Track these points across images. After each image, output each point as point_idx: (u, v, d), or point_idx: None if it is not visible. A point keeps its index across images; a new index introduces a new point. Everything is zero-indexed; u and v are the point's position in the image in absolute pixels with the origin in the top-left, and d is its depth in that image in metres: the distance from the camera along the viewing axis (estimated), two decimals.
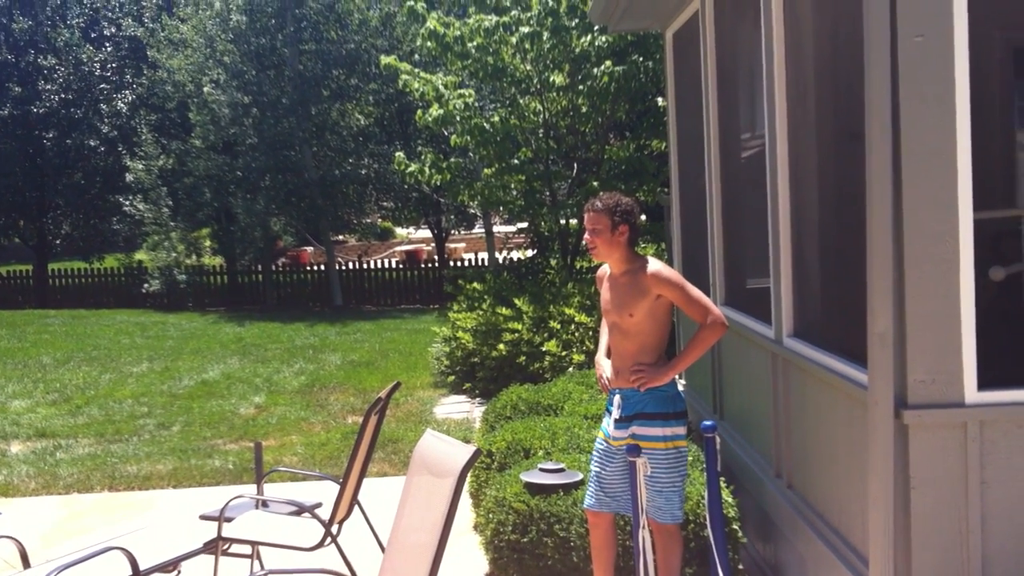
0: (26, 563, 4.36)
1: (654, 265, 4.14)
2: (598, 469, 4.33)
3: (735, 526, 4.73)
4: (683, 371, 6.13)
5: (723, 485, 4.77)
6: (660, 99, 11.50)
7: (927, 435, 3.31)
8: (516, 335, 9.91)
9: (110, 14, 25.68)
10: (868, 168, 3.27)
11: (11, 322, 19.35)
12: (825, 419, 4.12)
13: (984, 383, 3.31)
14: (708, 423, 4.17)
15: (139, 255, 23.76)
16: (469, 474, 3.46)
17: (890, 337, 3.25)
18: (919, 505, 3.33)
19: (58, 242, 26.61)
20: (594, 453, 4.40)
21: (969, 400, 3.30)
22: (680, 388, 4.34)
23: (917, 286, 3.29)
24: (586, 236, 4.25)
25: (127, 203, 21.70)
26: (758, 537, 5.22)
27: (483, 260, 21.51)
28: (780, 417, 4.75)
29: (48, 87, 24.05)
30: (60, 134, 24.23)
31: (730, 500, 4.84)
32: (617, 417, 4.24)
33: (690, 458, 4.93)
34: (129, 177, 21.51)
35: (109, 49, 25.25)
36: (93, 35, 25.53)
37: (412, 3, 12.36)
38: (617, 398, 4.28)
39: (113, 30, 25.42)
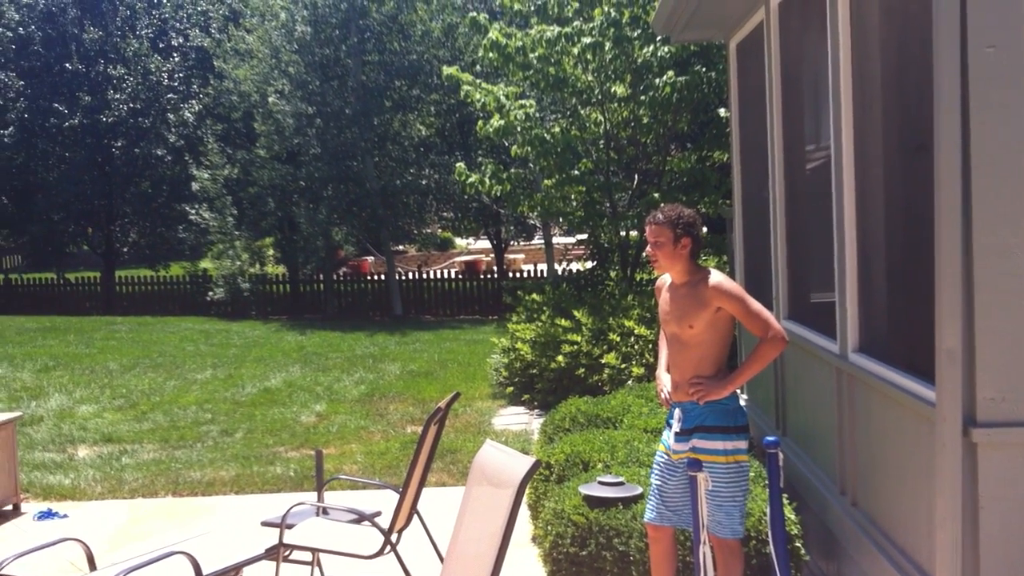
0: (92, 566, 4.45)
1: (716, 277, 4.10)
2: (659, 483, 4.30)
3: (798, 543, 4.67)
4: (745, 385, 6.06)
5: (786, 502, 4.70)
6: (723, 110, 11.41)
7: (996, 454, 3.24)
8: (575, 347, 9.88)
9: (178, 24, 26.21)
10: (936, 180, 3.21)
11: (79, 328, 19.78)
12: (891, 436, 4.05)
13: None
14: (771, 438, 4.11)
15: (204, 263, 24.16)
16: (528, 486, 3.47)
17: (959, 354, 3.19)
18: (988, 525, 3.25)
19: (125, 250, 27.18)
20: (654, 466, 4.37)
21: None
22: (742, 403, 4.29)
23: (986, 302, 3.22)
24: (648, 249, 4.23)
25: (193, 212, 22.08)
26: (821, 555, 5.14)
27: (542, 271, 21.52)
28: (845, 433, 4.68)
29: (117, 96, 24.59)
30: (128, 143, 24.76)
31: (793, 517, 4.77)
32: (677, 430, 4.21)
33: (752, 474, 4.87)
34: (195, 186, 21.88)
35: (177, 59, 25.77)
36: (161, 45, 26.08)
37: (474, 14, 12.42)
38: (677, 411, 4.24)
39: (181, 40, 25.95)
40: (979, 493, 3.25)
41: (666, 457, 4.29)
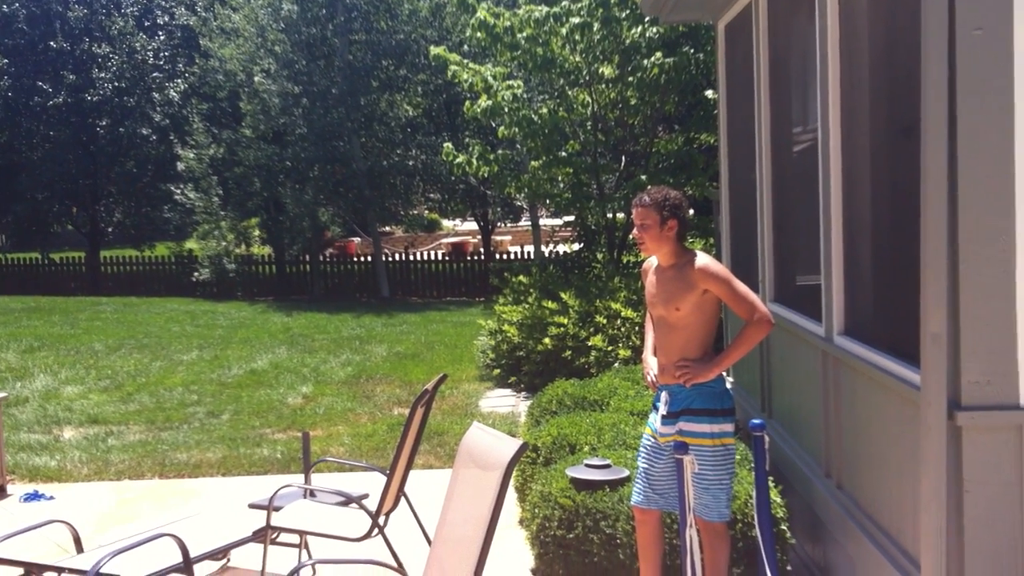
0: (79, 547, 4.44)
1: (702, 259, 4.11)
2: (646, 466, 4.31)
3: (783, 526, 4.69)
4: (731, 368, 6.08)
5: (771, 484, 4.72)
6: (710, 92, 11.39)
7: (981, 437, 3.26)
8: (562, 329, 9.89)
9: (163, 3, 26.01)
10: (923, 164, 3.21)
11: (64, 308, 19.70)
12: (876, 419, 4.07)
13: None
14: (757, 421, 4.13)
15: (189, 244, 24.07)
16: (515, 468, 3.47)
17: (944, 337, 3.20)
18: (972, 508, 3.27)
19: (110, 230, 27.08)
20: (641, 449, 4.38)
21: None
22: (728, 386, 4.30)
23: (972, 286, 3.23)
24: (635, 231, 4.23)
25: (178, 192, 21.98)
26: (807, 538, 5.17)
27: (529, 253, 21.51)
28: (830, 416, 4.70)
29: (102, 75, 24.41)
30: (113, 122, 24.60)
31: (779, 500, 4.80)
32: (664, 413, 4.22)
33: (738, 457, 4.89)
34: (180, 166, 21.78)
35: (162, 38, 25.59)
36: (147, 24, 25.89)
37: None
38: (664, 394, 4.25)
39: (166, 19, 25.76)
40: (963, 476, 3.26)
41: (652, 440, 4.31)
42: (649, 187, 4.29)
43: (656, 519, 4.32)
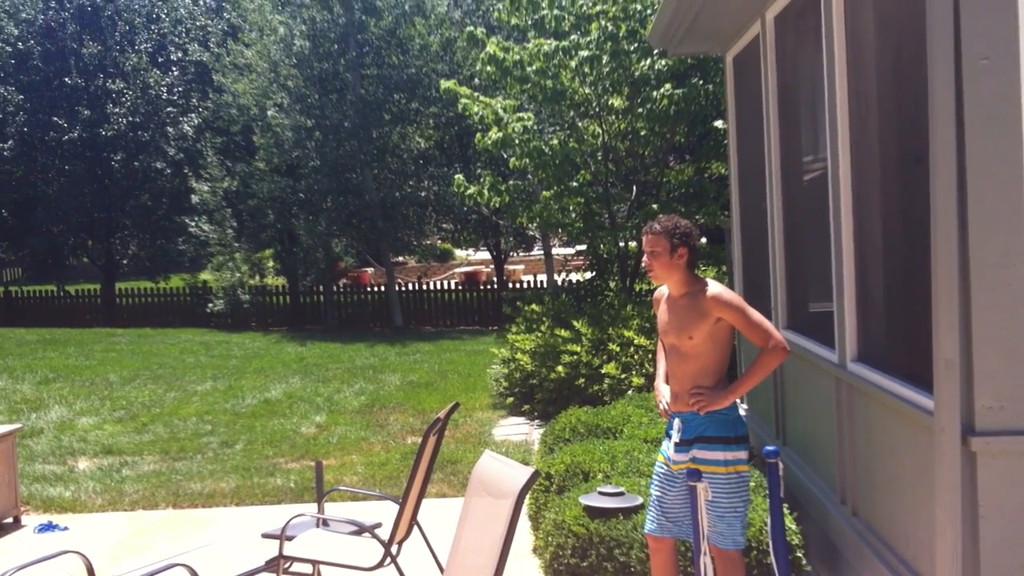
0: None
1: (714, 288, 4.11)
2: (659, 493, 4.30)
3: (799, 553, 4.67)
4: (744, 395, 6.07)
5: (786, 511, 4.71)
6: (720, 122, 11.44)
7: (995, 462, 3.25)
8: (575, 357, 9.89)
9: (177, 39, 26.25)
10: (932, 191, 3.23)
11: (79, 340, 19.79)
12: (891, 445, 4.06)
13: None
14: (771, 448, 4.12)
15: (204, 275, 24.16)
16: (528, 496, 3.46)
17: (957, 362, 3.20)
18: (988, 534, 3.26)
19: (125, 262, 27.20)
20: (654, 477, 4.37)
21: None
22: (742, 412, 4.29)
23: (984, 311, 3.24)
24: (645, 259, 4.25)
25: (192, 224, 22.10)
26: (822, 565, 5.14)
27: (542, 282, 21.53)
28: (844, 443, 4.69)
29: (116, 110, 24.63)
30: (128, 156, 24.79)
31: (793, 527, 4.78)
32: (677, 441, 4.21)
33: (752, 484, 4.88)
34: (195, 199, 21.90)
35: (176, 73, 25.81)
36: (160, 60, 26.11)
37: (472, 29, 12.48)
38: (677, 422, 4.25)
39: (180, 55, 25.98)
40: (979, 502, 3.25)
41: (666, 468, 4.30)
42: (660, 215, 4.30)
43: (670, 547, 4.31)
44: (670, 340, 4.25)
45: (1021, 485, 3.25)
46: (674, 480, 4.25)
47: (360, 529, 5.03)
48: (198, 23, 26.16)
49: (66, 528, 7.04)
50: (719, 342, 4.15)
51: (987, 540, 3.26)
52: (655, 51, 11.06)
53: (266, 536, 5.19)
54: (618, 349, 9.76)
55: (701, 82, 11.31)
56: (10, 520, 7.13)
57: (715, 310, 4.07)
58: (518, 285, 21.83)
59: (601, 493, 4.94)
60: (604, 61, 11.29)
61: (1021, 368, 3.24)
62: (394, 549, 4.71)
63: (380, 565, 4.58)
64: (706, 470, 4.08)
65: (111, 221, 25.69)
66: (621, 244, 12.64)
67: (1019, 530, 3.25)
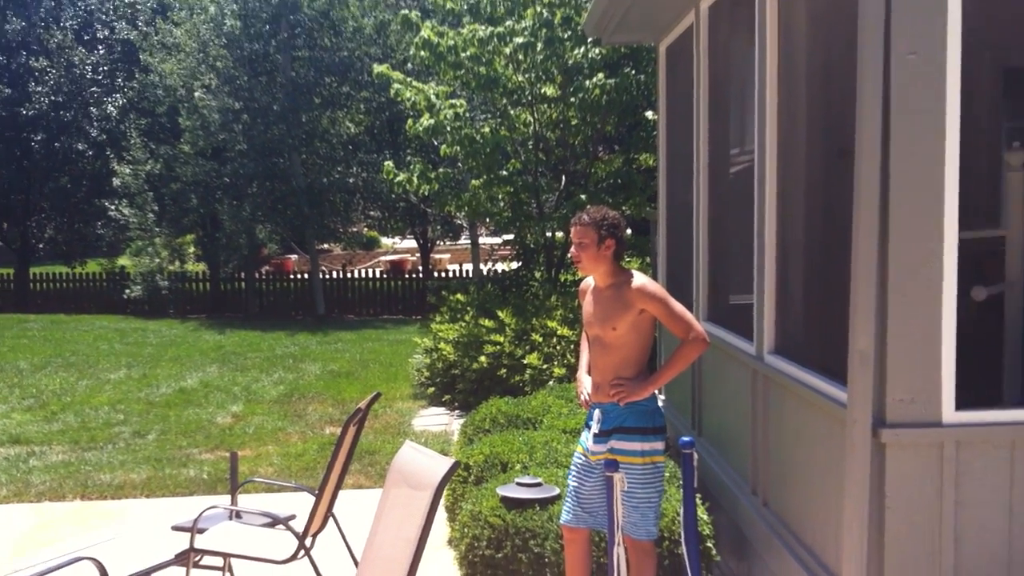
0: None
1: (639, 279, 4.11)
2: (576, 484, 4.28)
3: (710, 543, 4.69)
4: (663, 386, 6.08)
5: (699, 502, 4.72)
6: (650, 113, 11.48)
7: (904, 454, 3.28)
8: (498, 347, 9.85)
9: (104, 17, 25.58)
10: (856, 184, 3.24)
11: None
12: (803, 437, 4.08)
13: (962, 404, 3.28)
14: (686, 439, 4.12)
15: (122, 260, 23.62)
16: (446, 488, 3.41)
17: (871, 355, 3.22)
18: (893, 525, 3.29)
19: (41, 246, 26.45)
20: (572, 468, 4.35)
21: (947, 420, 3.28)
22: (660, 404, 4.29)
23: (900, 305, 3.26)
24: (572, 250, 4.22)
25: (112, 208, 21.57)
26: (732, 555, 5.17)
27: (468, 272, 21.46)
28: (758, 434, 4.71)
29: (39, 89, 23.91)
30: (49, 137, 24.09)
31: (705, 517, 4.79)
32: (596, 431, 4.20)
33: (667, 474, 4.89)
34: (116, 181, 21.38)
35: (102, 52, 25.13)
36: (86, 37, 25.41)
37: (407, 12, 12.36)
38: (597, 412, 4.23)
39: (106, 33, 25.32)
40: (885, 492, 3.28)
41: (584, 459, 4.28)
42: (588, 206, 4.28)
43: (585, 538, 4.29)
44: (594, 331, 4.24)
45: (927, 477, 3.29)
46: (592, 471, 4.23)
47: (274, 521, 4.92)
48: (126, 0, 25.51)
49: None
50: (642, 333, 4.14)
51: (892, 531, 3.29)
52: (589, 40, 11.05)
53: (177, 528, 5.04)
54: (541, 339, 9.74)
55: (633, 72, 11.34)
56: None
57: (639, 301, 4.06)
58: (444, 274, 21.73)
59: (519, 484, 4.90)
60: (538, 48, 11.26)
61: (932, 362, 3.27)
62: (308, 542, 4.61)
63: (293, 558, 4.48)
64: (623, 460, 4.07)
65: (28, 203, 24.94)
66: (548, 234, 12.65)
67: (923, 520, 3.29)
